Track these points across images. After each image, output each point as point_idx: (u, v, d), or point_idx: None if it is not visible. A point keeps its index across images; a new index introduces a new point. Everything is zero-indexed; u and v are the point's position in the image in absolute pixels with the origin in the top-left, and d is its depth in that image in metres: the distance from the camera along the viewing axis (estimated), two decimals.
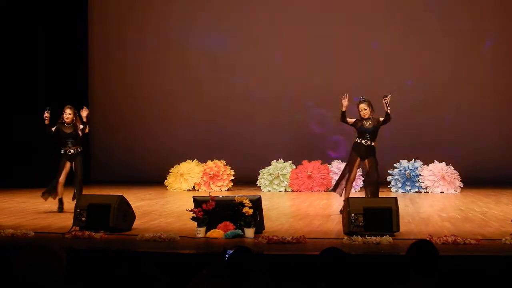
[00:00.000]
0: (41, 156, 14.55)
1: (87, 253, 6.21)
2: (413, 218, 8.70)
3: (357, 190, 13.27)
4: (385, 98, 9.10)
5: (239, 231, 6.97)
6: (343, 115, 9.24)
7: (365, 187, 9.25)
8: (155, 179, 14.49)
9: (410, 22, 14.93)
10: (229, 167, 13.94)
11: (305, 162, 13.71)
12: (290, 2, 15.29)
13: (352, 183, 9.40)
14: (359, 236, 6.68)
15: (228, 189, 13.68)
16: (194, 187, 13.82)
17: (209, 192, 11.21)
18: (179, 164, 14.13)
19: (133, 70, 15.73)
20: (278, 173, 13.60)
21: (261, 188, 13.56)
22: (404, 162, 13.39)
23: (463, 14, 14.83)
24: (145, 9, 15.75)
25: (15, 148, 14.20)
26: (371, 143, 9.22)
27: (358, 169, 9.97)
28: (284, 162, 13.88)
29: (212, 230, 7.02)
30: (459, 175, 13.18)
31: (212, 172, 13.74)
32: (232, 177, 13.87)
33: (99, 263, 5.81)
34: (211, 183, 13.72)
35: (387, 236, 6.70)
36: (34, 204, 10.62)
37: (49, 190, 9.85)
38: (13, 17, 14.28)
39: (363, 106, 9.23)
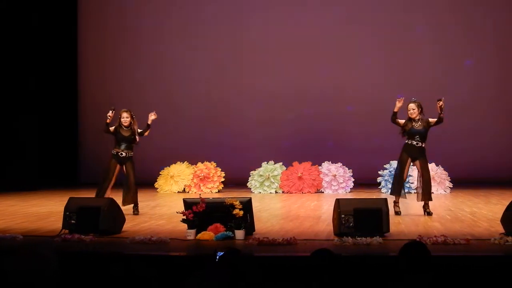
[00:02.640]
0: (32, 158, 14.51)
1: (77, 256, 6.18)
2: (403, 219, 8.73)
3: (347, 191, 13.32)
4: (440, 101, 9.09)
5: (230, 233, 6.97)
6: (395, 116, 9.22)
7: (418, 188, 9.32)
8: (146, 181, 14.47)
9: (401, 23, 15.00)
10: (220, 169, 13.94)
11: (295, 163, 13.73)
12: (285, 3, 15.34)
13: (401, 184, 9.37)
14: (349, 237, 6.70)
15: (219, 191, 13.67)
16: (184, 189, 13.81)
17: (200, 194, 11.21)
18: (169, 166, 14.11)
19: (124, 72, 15.70)
20: (269, 174, 13.60)
21: (252, 189, 13.56)
22: (394, 163, 13.38)
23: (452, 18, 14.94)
24: (137, 7, 15.72)
25: (4, 150, 14.14)
26: (422, 144, 9.22)
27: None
28: (274, 163, 13.88)
29: (202, 232, 7.02)
30: (448, 176, 13.24)
31: (202, 174, 13.74)
32: (223, 179, 13.87)
33: (89, 266, 5.79)
34: (201, 185, 13.71)
35: (378, 237, 6.72)
36: (24, 207, 10.58)
37: (100, 191, 9.58)
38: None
39: (411, 106, 9.23)
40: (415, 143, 9.21)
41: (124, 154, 9.64)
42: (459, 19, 14.91)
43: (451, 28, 14.91)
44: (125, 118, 9.69)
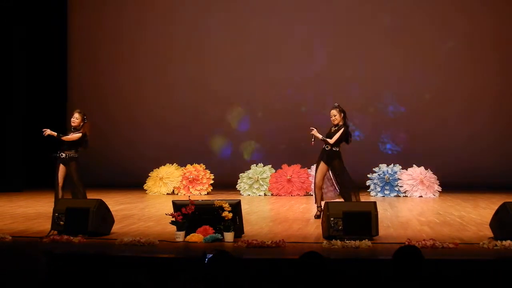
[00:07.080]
0: (19, 159, 14.39)
1: (66, 257, 6.15)
2: (392, 222, 8.74)
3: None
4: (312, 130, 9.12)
5: (219, 235, 6.97)
6: (324, 140, 9.14)
7: (329, 190, 9.33)
8: (135, 183, 14.43)
9: (395, 28, 15.05)
10: (209, 171, 13.92)
11: (284, 166, 13.72)
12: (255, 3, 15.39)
13: (319, 188, 9.26)
14: (338, 240, 6.70)
15: (208, 193, 13.65)
16: (173, 191, 13.78)
17: (189, 196, 11.20)
18: (158, 168, 14.09)
19: (111, 75, 15.66)
20: (258, 177, 13.59)
21: (241, 192, 13.55)
22: (383, 167, 13.44)
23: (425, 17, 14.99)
24: (122, 14, 15.71)
25: None
26: (333, 147, 9.15)
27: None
28: (263, 166, 13.88)
29: (191, 234, 7.01)
30: (437, 179, 13.28)
31: (191, 176, 13.71)
32: (212, 181, 13.85)
33: (78, 268, 5.76)
34: (190, 187, 13.69)
35: (366, 240, 6.73)
36: (11, 208, 10.53)
37: (55, 194, 9.17)
38: None
39: (332, 112, 9.24)
40: (326, 147, 9.15)
41: (64, 155, 9.11)
42: (458, 29, 14.97)
43: (446, 38, 14.97)
44: (74, 118, 9.25)
